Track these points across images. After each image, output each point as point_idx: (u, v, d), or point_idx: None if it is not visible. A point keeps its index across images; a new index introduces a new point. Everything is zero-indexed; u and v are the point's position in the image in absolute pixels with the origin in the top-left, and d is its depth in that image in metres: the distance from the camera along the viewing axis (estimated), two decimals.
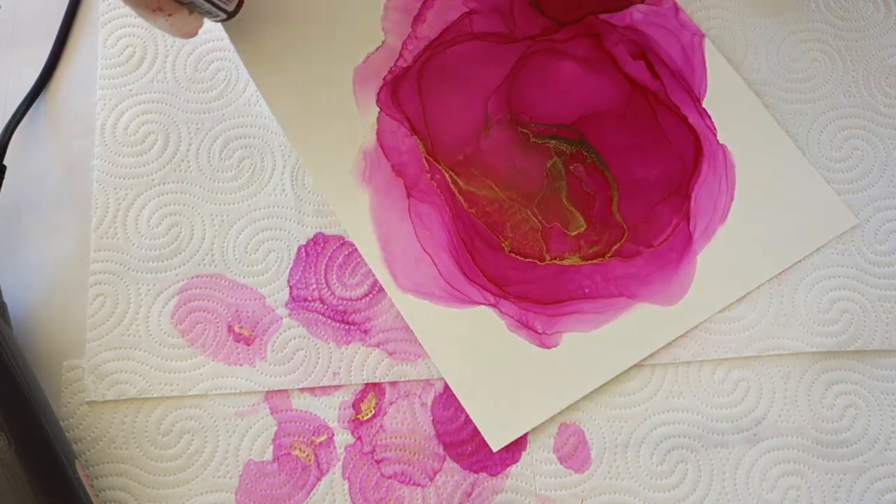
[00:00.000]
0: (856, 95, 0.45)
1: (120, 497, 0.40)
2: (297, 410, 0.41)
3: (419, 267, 0.42)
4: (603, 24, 0.46)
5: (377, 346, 0.42)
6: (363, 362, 0.42)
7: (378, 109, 0.44)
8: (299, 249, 0.43)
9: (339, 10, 0.46)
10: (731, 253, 0.42)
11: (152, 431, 0.41)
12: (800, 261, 0.42)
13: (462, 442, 0.41)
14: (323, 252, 0.43)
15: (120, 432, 0.41)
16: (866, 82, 0.45)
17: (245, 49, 0.45)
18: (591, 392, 0.41)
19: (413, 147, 0.44)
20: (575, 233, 0.43)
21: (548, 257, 0.43)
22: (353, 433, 0.41)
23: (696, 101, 0.45)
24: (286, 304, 0.42)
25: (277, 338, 0.42)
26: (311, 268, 0.43)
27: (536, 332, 0.41)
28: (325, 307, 0.42)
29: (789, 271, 0.42)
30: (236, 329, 0.42)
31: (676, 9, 0.46)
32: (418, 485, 0.40)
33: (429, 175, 0.44)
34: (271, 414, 0.41)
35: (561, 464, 0.40)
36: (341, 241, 0.43)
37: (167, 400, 0.41)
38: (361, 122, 0.44)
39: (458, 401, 0.41)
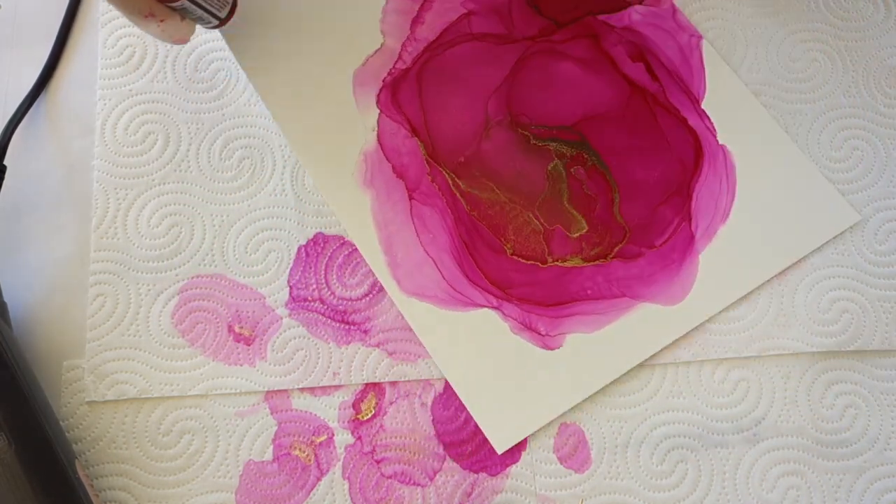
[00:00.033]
0: (856, 95, 0.45)
1: (120, 497, 0.40)
2: (297, 410, 0.41)
3: (422, 270, 0.42)
4: (601, 25, 0.46)
5: (377, 346, 0.42)
6: (363, 362, 0.42)
7: (378, 111, 0.45)
8: (299, 249, 0.43)
9: (338, 14, 0.46)
10: (733, 252, 0.42)
11: (152, 431, 0.41)
12: (800, 260, 0.42)
13: (462, 442, 0.41)
14: (323, 252, 0.43)
15: (120, 432, 0.41)
16: (866, 82, 0.45)
17: (244, 55, 0.45)
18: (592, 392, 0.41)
19: (414, 149, 0.44)
20: (577, 235, 0.43)
21: (550, 259, 0.43)
22: (353, 433, 0.41)
23: (696, 102, 0.45)
24: (286, 304, 0.42)
25: (277, 338, 0.42)
26: (311, 268, 0.43)
27: (540, 333, 0.41)
28: (325, 307, 0.42)
29: (789, 271, 0.42)
30: (236, 329, 0.42)
31: (674, 10, 0.46)
32: (418, 485, 0.40)
33: (430, 177, 0.44)
34: (271, 414, 0.41)
35: (561, 464, 0.40)
36: (341, 241, 0.43)
37: (167, 400, 0.41)
38: (362, 124, 0.44)
39: (457, 400, 0.41)
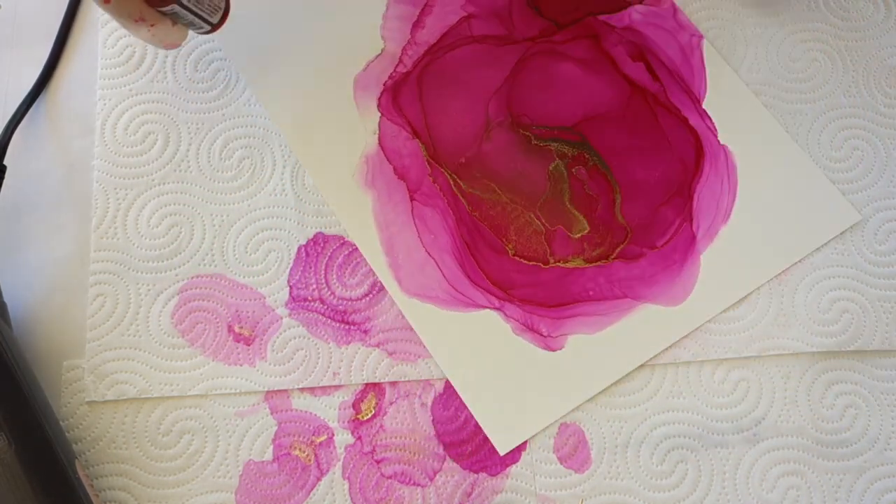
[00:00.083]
0: (856, 95, 0.45)
1: (120, 497, 0.40)
2: (297, 410, 0.41)
3: (424, 271, 0.42)
4: (602, 25, 0.46)
5: (377, 346, 0.42)
6: (363, 362, 0.42)
7: (379, 114, 0.45)
8: (299, 249, 0.43)
9: (339, 20, 0.46)
10: (735, 252, 0.42)
11: (152, 431, 0.41)
12: (800, 260, 0.42)
13: (462, 442, 0.41)
14: (323, 252, 0.43)
15: (120, 432, 0.41)
16: (866, 82, 0.45)
17: (244, 62, 0.45)
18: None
19: (415, 150, 0.44)
20: (578, 235, 0.43)
21: (552, 260, 0.43)
22: (353, 433, 0.41)
23: (696, 102, 0.45)
24: (286, 304, 0.42)
25: (277, 338, 0.42)
26: (311, 268, 0.43)
27: (541, 335, 0.41)
28: (325, 307, 0.42)
29: (789, 271, 0.42)
30: (236, 329, 0.42)
31: (675, 9, 0.46)
32: (418, 485, 0.40)
33: (431, 178, 0.44)
34: (271, 414, 0.41)
35: (561, 464, 0.40)
36: (341, 241, 0.43)
37: (167, 400, 0.41)
38: (363, 126, 0.44)
39: (457, 401, 0.41)
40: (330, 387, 0.41)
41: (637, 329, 0.41)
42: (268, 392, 0.41)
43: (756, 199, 0.43)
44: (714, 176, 0.44)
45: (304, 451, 0.41)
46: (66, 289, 0.43)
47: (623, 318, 0.42)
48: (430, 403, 0.41)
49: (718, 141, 0.44)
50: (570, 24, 0.46)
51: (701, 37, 0.46)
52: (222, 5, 0.41)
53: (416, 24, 0.46)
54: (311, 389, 0.41)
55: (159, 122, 0.45)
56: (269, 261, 0.43)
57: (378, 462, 0.40)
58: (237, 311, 0.42)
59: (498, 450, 0.40)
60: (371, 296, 0.42)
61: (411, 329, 0.42)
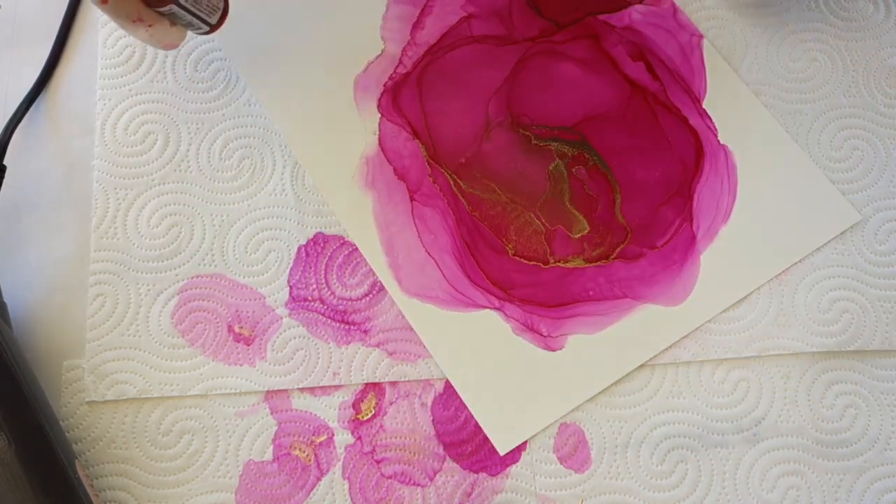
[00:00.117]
0: (856, 95, 0.45)
1: (120, 497, 0.40)
2: (297, 410, 0.41)
3: (424, 271, 0.42)
4: (602, 25, 0.46)
5: (377, 346, 0.42)
6: (363, 362, 0.42)
7: (379, 115, 0.45)
8: (299, 249, 0.43)
9: (339, 21, 0.46)
10: (735, 252, 0.42)
11: (152, 431, 0.41)
12: (800, 260, 0.42)
13: (462, 442, 0.41)
14: (323, 252, 0.43)
15: (120, 432, 0.41)
16: (866, 82, 0.45)
17: (244, 62, 0.45)
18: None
19: (415, 151, 0.44)
20: (578, 235, 0.43)
21: (552, 260, 0.43)
22: (353, 433, 0.41)
23: (696, 101, 0.45)
24: (286, 304, 0.42)
25: (277, 338, 0.42)
26: (311, 268, 0.43)
27: (541, 335, 0.41)
28: (325, 307, 0.42)
29: (789, 271, 0.42)
30: (236, 329, 0.42)
31: (675, 9, 0.46)
32: (418, 485, 0.40)
33: (431, 178, 0.44)
34: (271, 414, 0.41)
35: (561, 464, 0.40)
36: (341, 241, 0.43)
37: (167, 400, 0.41)
38: (363, 127, 0.44)
39: (457, 400, 0.41)
40: (330, 387, 0.41)
41: (637, 329, 0.41)
42: (268, 392, 0.41)
43: (756, 199, 0.43)
44: (714, 176, 0.44)
45: (304, 451, 0.41)
46: (66, 289, 0.43)
47: (623, 318, 0.42)
48: (430, 403, 0.41)
49: (718, 141, 0.44)
50: (570, 24, 0.46)
51: (701, 37, 0.46)
52: (220, 6, 0.41)
53: (416, 25, 0.46)
54: (311, 389, 0.41)
55: (159, 122, 0.45)
56: (269, 261, 0.43)
57: (378, 462, 0.40)
58: (237, 311, 0.42)
59: (498, 450, 0.40)
60: (371, 296, 0.42)
61: (411, 329, 0.42)
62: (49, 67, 0.46)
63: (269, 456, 0.41)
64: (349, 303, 0.42)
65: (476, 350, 0.41)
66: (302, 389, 0.41)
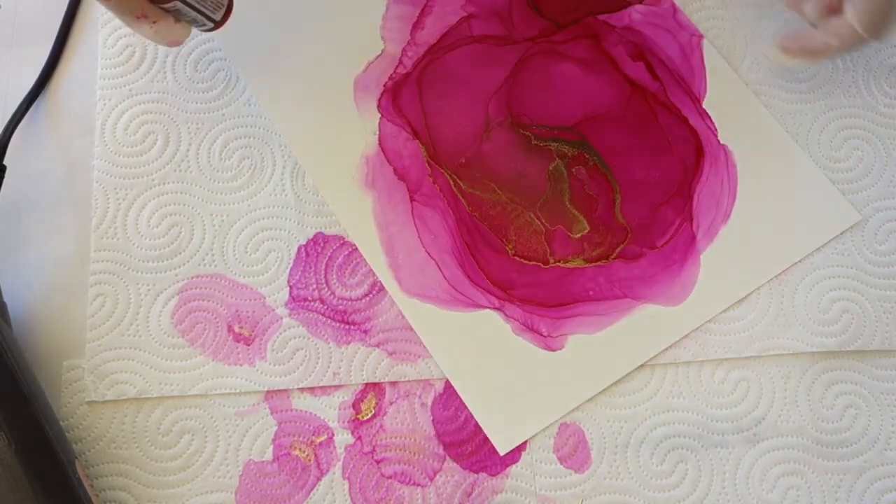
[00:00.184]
0: (856, 95, 0.45)
1: (120, 497, 0.40)
2: (297, 410, 0.41)
3: (424, 271, 0.42)
4: (602, 25, 0.46)
5: (377, 346, 0.42)
6: (363, 362, 0.42)
7: (379, 115, 0.45)
8: (299, 249, 0.43)
9: (339, 21, 0.46)
10: (735, 252, 0.42)
11: (152, 431, 0.41)
12: (800, 260, 0.42)
13: (462, 442, 0.41)
14: (323, 252, 0.43)
15: (120, 432, 0.41)
16: (866, 82, 0.45)
17: (244, 62, 0.45)
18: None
19: (415, 151, 0.44)
20: (578, 235, 0.43)
21: (552, 260, 0.43)
22: (353, 433, 0.41)
23: (696, 101, 0.45)
24: (286, 304, 0.42)
25: (277, 338, 0.42)
26: (311, 268, 0.43)
27: (541, 335, 0.41)
28: (325, 307, 0.42)
29: (789, 271, 0.42)
30: (236, 329, 0.42)
31: (675, 9, 0.46)
32: (418, 485, 0.40)
33: (431, 178, 0.44)
34: (271, 414, 0.41)
35: (561, 464, 0.40)
36: (341, 241, 0.43)
37: (167, 400, 0.41)
38: (363, 127, 0.45)
39: (457, 400, 0.41)
40: (330, 387, 0.41)
41: (637, 329, 0.41)
42: (268, 392, 0.41)
43: (756, 199, 0.43)
44: (714, 176, 0.44)
45: (304, 451, 0.41)
46: (66, 289, 0.43)
47: (623, 318, 0.42)
48: (430, 403, 0.41)
49: (718, 141, 0.44)
50: (570, 24, 0.46)
51: (701, 37, 0.46)
52: (225, 2, 0.41)
53: (416, 25, 0.46)
54: (311, 389, 0.41)
55: (159, 122, 0.45)
56: (269, 261, 0.43)
57: (378, 462, 0.40)
58: (237, 311, 0.42)
59: (498, 450, 0.40)
60: (371, 296, 0.42)
61: (411, 329, 0.42)
62: (49, 67, 0.46)
63: (269, 456, 0.41)
64: (349, 303, 0.42)
65: (476, 350, 0.41)
66: (302, 389, 0.41)
